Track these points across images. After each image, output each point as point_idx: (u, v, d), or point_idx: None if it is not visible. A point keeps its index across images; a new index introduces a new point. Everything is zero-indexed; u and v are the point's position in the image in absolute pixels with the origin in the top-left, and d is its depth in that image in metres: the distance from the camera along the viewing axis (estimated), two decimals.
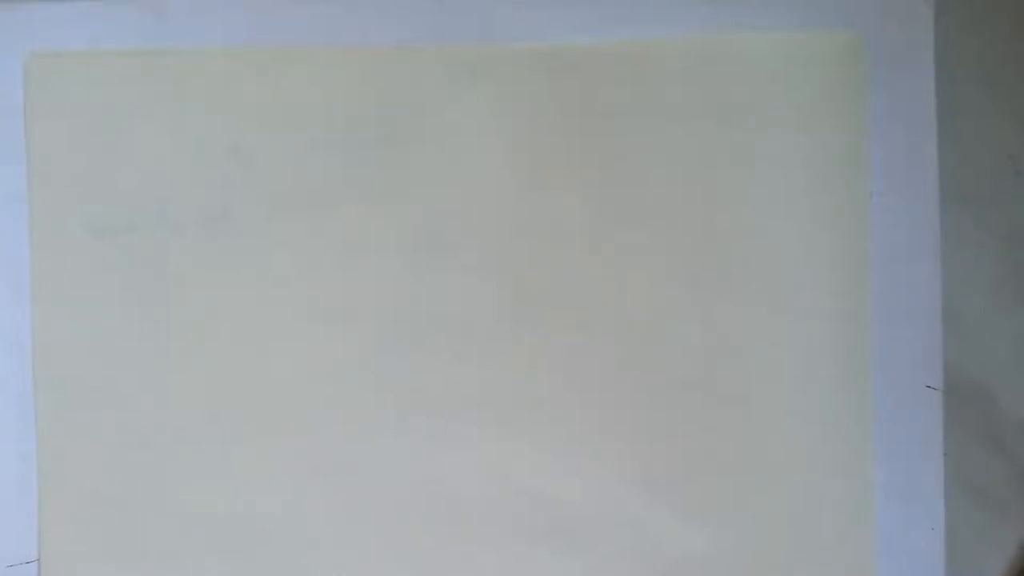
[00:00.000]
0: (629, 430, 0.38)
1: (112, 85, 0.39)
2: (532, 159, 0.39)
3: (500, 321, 0.38)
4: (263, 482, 0.38)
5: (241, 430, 0.38)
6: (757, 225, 0.38)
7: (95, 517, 0.38)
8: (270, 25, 0.39)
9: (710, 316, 0.38)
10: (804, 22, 0.39)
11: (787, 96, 0.38)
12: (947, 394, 0.38)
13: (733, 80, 0.39)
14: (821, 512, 0.38)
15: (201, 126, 0.39)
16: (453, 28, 0.39)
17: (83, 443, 0.38)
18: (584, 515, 0.38)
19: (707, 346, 0.38)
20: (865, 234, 0.38)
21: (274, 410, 0.38)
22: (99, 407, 0.38)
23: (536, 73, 0.39)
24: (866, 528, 0.38)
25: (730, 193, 0.38)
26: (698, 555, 0.38)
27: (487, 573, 0.38)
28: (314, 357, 0.38)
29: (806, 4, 0.39)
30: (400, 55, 0.39)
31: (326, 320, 0.38)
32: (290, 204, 0.39)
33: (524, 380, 0.38)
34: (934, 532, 0.38)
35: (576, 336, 0.38)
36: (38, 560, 0.38)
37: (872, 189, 0.38)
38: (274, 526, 0.38)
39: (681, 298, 0.38)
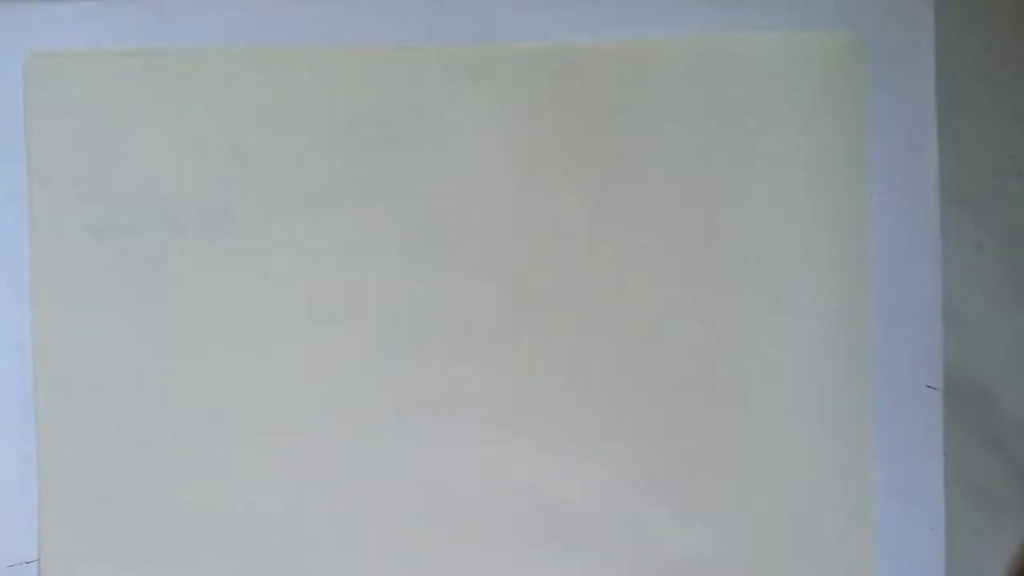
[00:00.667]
0: (629, 430, 0.38)
1: (112, 85, 0.39)
2: (532, 159, 0.39)
3: (500, 321, 0.38)
4: (263, 482, 0.38)
5: (241, 430, 0.38)
6: (757, 225, 0.38)
7: (95, 517, 0.38)
8: (270, 25, 0.39)
9: (710, 316, 0.38)
10: (804, 22, 0.39)
11: (787, 96, 0.38)
12: (947, 394, 0.38)
13: (733, 80, 0.39)
14: (821, 512, 0.38)
15: (201, 126, 0.39)
16: (453, 28, 0.39)
17: (83, 443, 0.38)
18: (584, 515, 0.38)
19: (707, 346, 0.38)
20: (865, 234, 0.38)
21: (274, 410, 0.38)
22: (99, 407, 0.38)
23: (536, 73, 0.39)
24: (866, 528, 0.38)
25: (730, 193, 0.38)
26: (698, 555, 0.38)
27: (487, 573, 0.38)
28: (314, 357, 0.38)
29: (806, 4, 0.38)
30: (400, 55, 0.39)
31: (326, 320, 0.38)
32: (290, 204, 0.39)
33: (524, 380, 0.38)
34: (934, 532, 0.38)
35: (576, 336, 0.38)
36: (38, 560, 0.38)
37: (872, 189, 0.38)
38: (274, 526, 0.38)
39: (681, 298, 0.38)
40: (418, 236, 0.39)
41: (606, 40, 0.39)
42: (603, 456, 0.38)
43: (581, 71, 0.39)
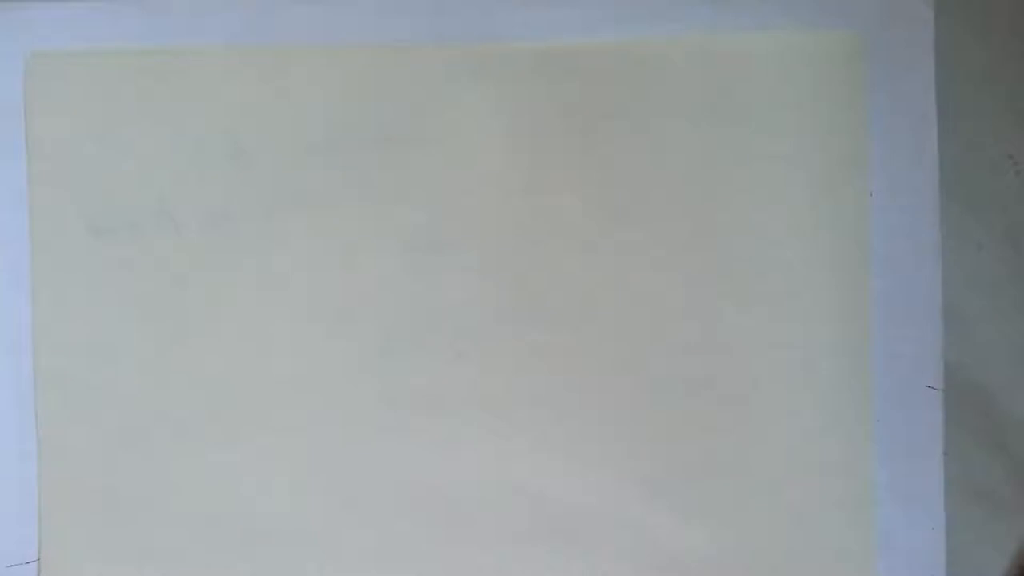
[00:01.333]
0: (629, 430, 0.38)
1: (112, 85, 0.39)
2: (532, 159, 0.39)
3: (500, 321, 0.38)
4: (263, 482, 0.38)
5: (241, 430, 0.38)
6: (757, 225, 0.38)
7: (95, 517, 0.38)
8: (270, 25, 0.39)
9: (710, 316, 0.38)
10: (804, 22, 0.39)
11: (787, 96, 0.39)
12: (947, 394, 0.38)
13: (733, 80, 0.39)
14: (821, 512, 0.38)
15: (201, 126, 0.39)
16: (453, 28, 0.39)
17: (83, 443, 0.38)
18: (584, 515, 0.38)
19: (707, 346, 0.38)
20: (865, 234, 0.38)
21: (274, 410, 0.38)
22: (99, 407, 0.38)
23: (536, 73, 0.39)
24: (866, 528, 0.38)
25: (730, 193, 0.38)
26: (698, 555, 0.38)
27: (487, 573, 0.38)
28: (314, 357, 0.38)
29: (806, 4, 0.39)
30: (400, 55, 0.39)
31: (326, 320, 0.38)
32: (290, 204, 0.39)
33: (524, 380, 0.38)
34: (934, 532, 0.38)
35: (576, 336, 0.38)
36: (38, 560, 0.38)
37: (872, 189, 0.38)
38: (274, 526, 0.38)
39: (681, 298, 0.38)
40: (418, 236, 0.39)
41: (606, 40, 0.39)
42: (603, 456, 0.38)
43: (581, 71, 0.39)
